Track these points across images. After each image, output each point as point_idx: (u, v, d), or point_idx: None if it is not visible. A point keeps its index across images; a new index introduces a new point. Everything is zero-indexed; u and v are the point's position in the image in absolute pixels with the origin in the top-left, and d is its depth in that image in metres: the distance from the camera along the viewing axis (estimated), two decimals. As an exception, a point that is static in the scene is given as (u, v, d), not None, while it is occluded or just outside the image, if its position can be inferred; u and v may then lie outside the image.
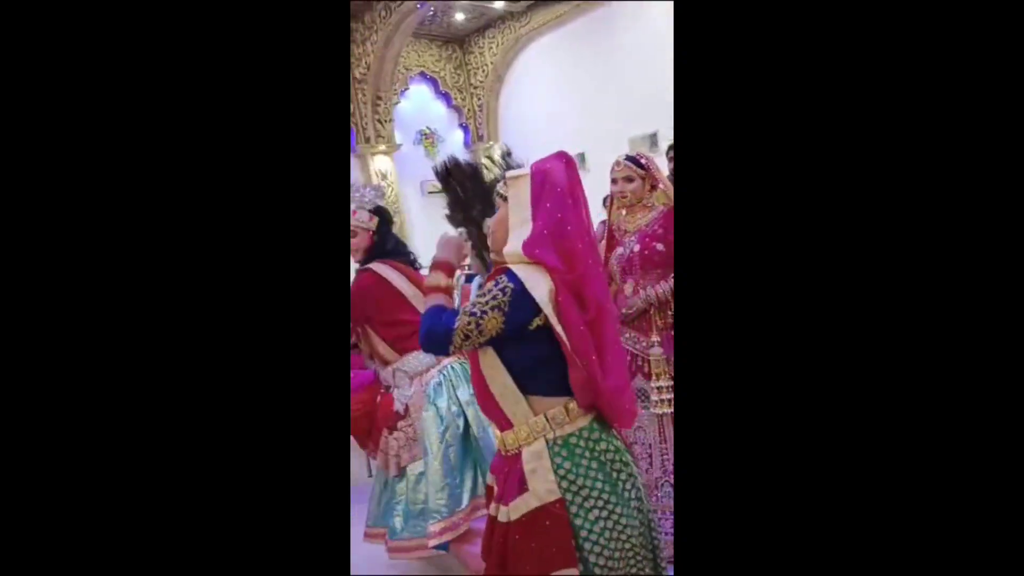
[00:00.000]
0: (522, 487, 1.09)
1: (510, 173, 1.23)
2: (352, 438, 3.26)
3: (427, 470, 1.88)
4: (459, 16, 8.80)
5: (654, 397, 2.11)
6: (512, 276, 1.10)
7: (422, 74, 9.24)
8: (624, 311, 2.20)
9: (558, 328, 1.08)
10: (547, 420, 1.10)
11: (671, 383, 2.09)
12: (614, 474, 1.11)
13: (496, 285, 1.10)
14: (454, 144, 9.53)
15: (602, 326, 1.12)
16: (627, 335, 2.22)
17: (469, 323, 1.09)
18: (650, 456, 2.13)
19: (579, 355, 1.08)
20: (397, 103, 8.87)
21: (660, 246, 2.16)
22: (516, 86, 9.51)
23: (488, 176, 2.20)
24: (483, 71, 9.49)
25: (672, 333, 2.11)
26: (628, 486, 1.12)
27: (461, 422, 1.87)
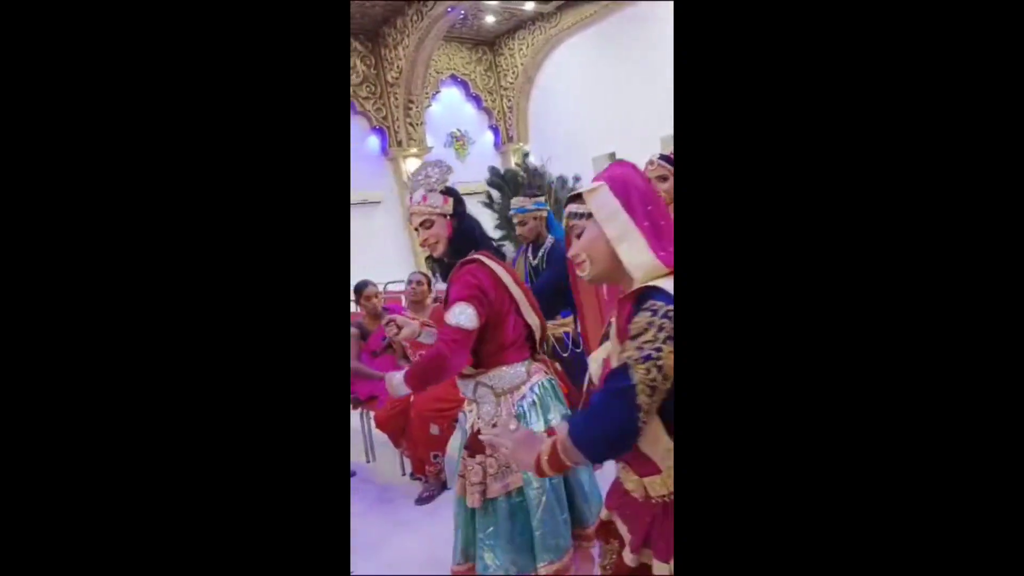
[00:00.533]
0: None
1: (585, 189, 1.04)
2: (387, 436, 3.32)
3: (530, 503, 1.58)
4: (489, 18, 8.84)
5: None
6: (666, 296, 0.88)
7: (453, 77, 9.32)
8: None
9: None
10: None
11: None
12: None
13: (654, 313, 0.87)
14: (484, 145, 9.58)
15: None
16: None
17: (649, 371, 0.84)
18: None
19: None
20: (428, 106, 8.97)
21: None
22: (546, 87, 9.51)
23: (520, 179, 2.13)
24: (513, 73, 9.52)
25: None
26: None
27: None
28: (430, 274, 5.16)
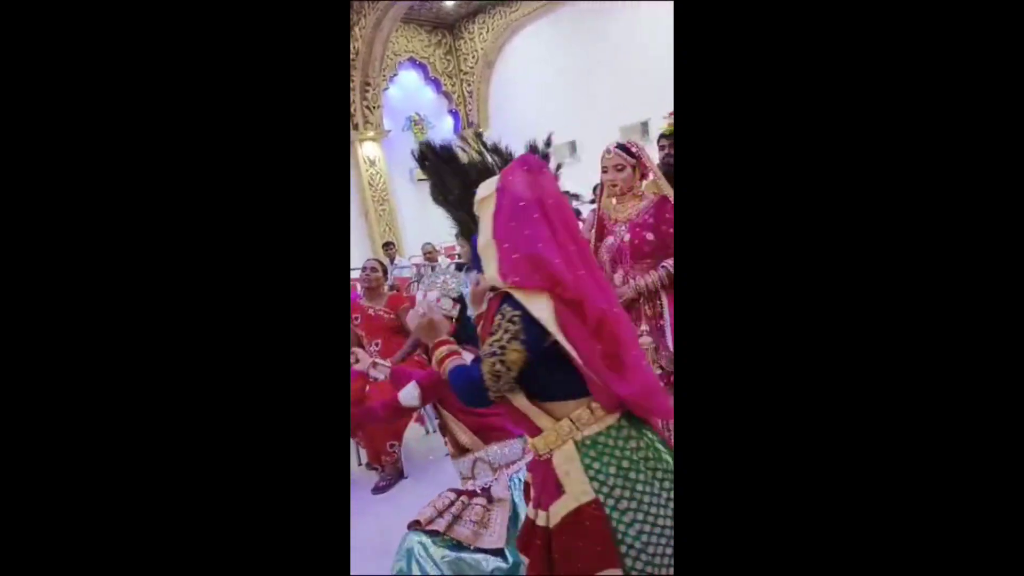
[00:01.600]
0: (559, 490, 1.08)
1: (479, 193, 1.18)
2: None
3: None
4: (449, 2, 8.70)
5: (643, 386, 2.12)
6: (513, 302, 1.08)
7: (411, 60, 9.14)
8: (614, 300, 2.21)
9: (567, 347, 1.05)
10: (572, 422, 1.09)
11: (660, 371, 2.09)
12: (649, 472, 1.08)
13: (503, 317, 1.08)
14: (444, 130, 9.46)
15: (613, 332, 1.08)
16: (616, 324, 2.22)
17: (494, 364, 1.07)
18: None
19: (591, 368, 1.06)
20: (386, 89, 8.78)
21: (650, 236, 2.16)
22: (506, 73, 9.44)
23: (464, 158, 2.21)
24: (473, 57, 9.41)
25: (660, 322, 2.12)
26: (668, 484, 1.08)
27: None
28: (386, 262, 5.07)
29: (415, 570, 1.62)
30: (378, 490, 2.97)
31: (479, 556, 1.61)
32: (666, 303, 2.12)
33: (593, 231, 2.42)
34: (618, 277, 2.22)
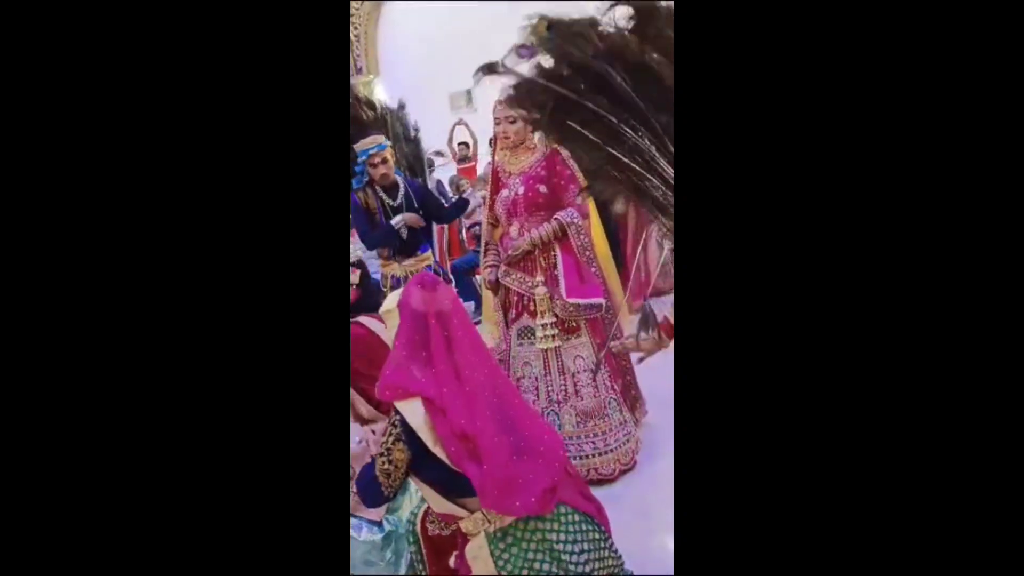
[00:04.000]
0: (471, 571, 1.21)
1: (382, 309, 1.33)
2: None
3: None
4: (330, -69, 8.02)
5: (539, 333, 2.21)
6: (396, 410, 1.23)
7: (291, -4, 8.42)
8: (510, 252, 2.26)
9: (435, 450, 1.18)
10: (483, 514, 1.20)
11: (554, 319, 2.19)
12: (565, 557, 1.17)
13: (390, 420, 1.24)
14: (331, 76, 8.88)
15: (475, 444, 1.17)
16: (514, 276, 2.28)
17: (382, 463, 1.21)
18: (536, 388, 2.25)
19: (460, 468, 1.17)
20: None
21: (543, 188, 2.21)
22: (396, 14, 8.94)
23: (364, 118, 2.14)
24: (359, -4, 8.81)
25: (554, 272, 2.20)
26: (586, 568, 1.18)
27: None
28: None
29: None
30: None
31: (356, 522, 1.68)
32: (559, 253, 2.20)
33: (488, 185, 2.44)
34: (514, 229, 2.27)
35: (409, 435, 1.20)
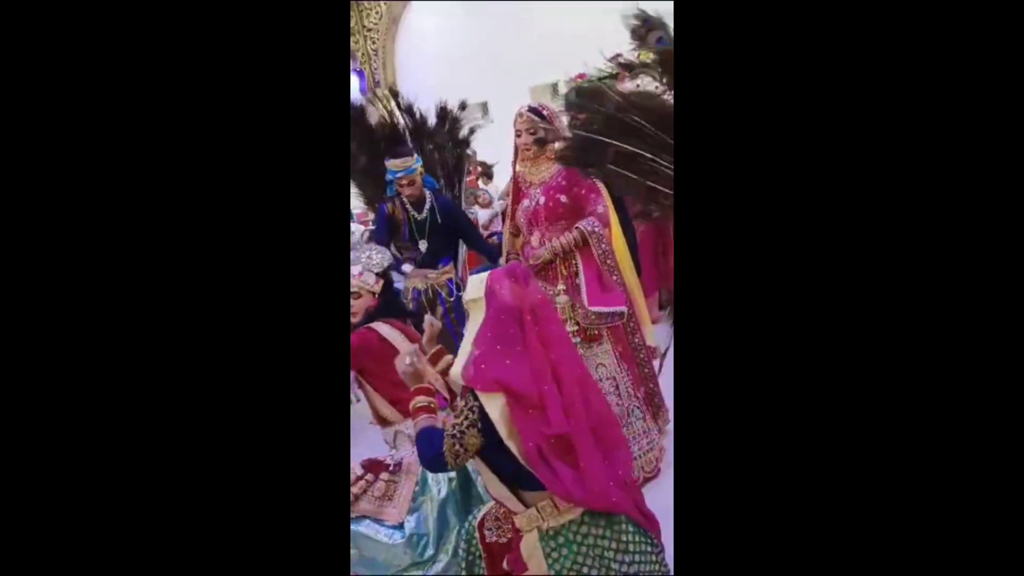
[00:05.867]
0: (526, 568, 1.21)
1: (466, 296, 1.29)
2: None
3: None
4: (347, -50, 8.18)
5: (562, 342, 2.21)
6: (475, 394, 1.21)
7: (310, 13, 8.58)
8: (531, 261, 2.27)
9: (508, 444, 1.16)
10: (538, 511, 1.19)
11: (576, 328, 2.20)
12: (614, 566, 1.16)
13: (465, 404, 1.22)
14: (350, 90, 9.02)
15: (571, 444, 1.15)
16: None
17: (452, 444, 1.20)
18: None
19: (532, 467, 1.14)
20: (284, 45, 8.20)
21: (563, 198, 2.23)
22: (413, 29, 9.08)
23: (375, 117, 2.19)
24: (376, 12, 8.96)
25: (576, 280, 2.21)
26: (642, 570, 1.17)
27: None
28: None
29: None
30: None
31: (376, 525, 1.68)
32: (580, 262, 2.21)
33: (510, 195, 2.47)
34: (535, 239, 2.29)
35: (486, 424, 1.18)
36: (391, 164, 2.81)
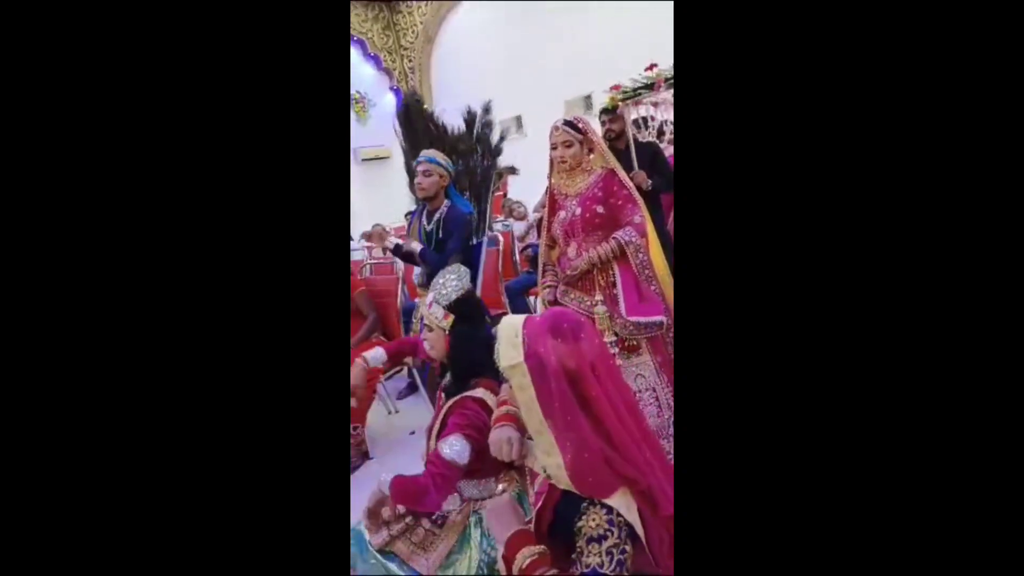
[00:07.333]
0: None
1: (504, 365, 1.01)
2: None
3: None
4: (384, -27, 8.42)
5: (602, 353, 2.19)
6: (605, 504, 1.00)
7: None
8: (568, 272, 2.27)
9: (642, 538, 0.98)
10: None
11: (614, 338, 2.18)
12: None
13: (611, 524, 0.99)
14: (386, 108, 9.24)
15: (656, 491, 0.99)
16: (572, 295, 2.29)
17: (617, 556, 0.98)
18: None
19: (655, 554, 0.99)
20: (324, 67, 8.45)
21: (600, 209, 2.22)
22: (448, 47, 9.26)
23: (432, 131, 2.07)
24: (413, 32, 9.19)
25: (613, 291, 2.20)
26: None
27: None
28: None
29: (353, 548, 1.59)
30: (344, 473, 2.98)
31: (406, 567, 1.55)
32: (618, 272, 2.20)
33: (545, 207, 2.48)
34: (572, 250, 2.29)
35: (631, 530, 0.97)
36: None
